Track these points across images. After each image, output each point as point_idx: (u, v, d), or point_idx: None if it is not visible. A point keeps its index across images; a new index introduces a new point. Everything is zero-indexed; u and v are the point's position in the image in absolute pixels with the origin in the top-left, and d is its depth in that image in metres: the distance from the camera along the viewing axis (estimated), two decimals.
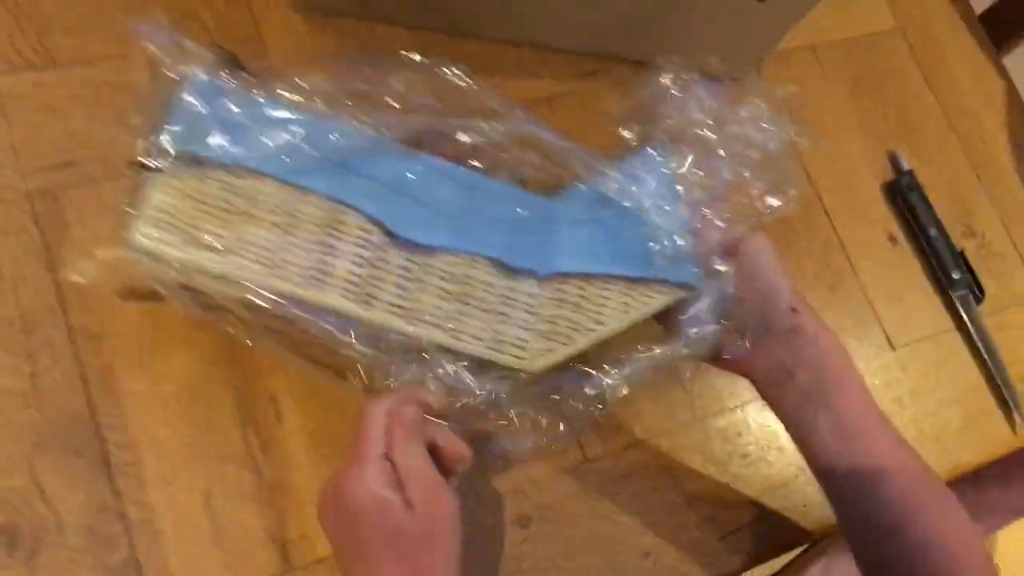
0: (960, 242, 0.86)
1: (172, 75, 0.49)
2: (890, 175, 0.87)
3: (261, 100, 0.50)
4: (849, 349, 0.75)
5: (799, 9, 0.76)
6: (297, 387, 0.63)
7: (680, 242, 0.55)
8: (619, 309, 0.54)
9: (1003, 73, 0.98)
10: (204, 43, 0.51)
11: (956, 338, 0.83)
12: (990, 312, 0.85)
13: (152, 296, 0.48)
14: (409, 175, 0.52)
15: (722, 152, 0.57)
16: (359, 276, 0.50)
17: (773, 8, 0.74)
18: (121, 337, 0.61)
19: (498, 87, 0.74)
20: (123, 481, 0.58)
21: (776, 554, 0.70)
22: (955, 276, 0.83)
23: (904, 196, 0.85)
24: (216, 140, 0.48)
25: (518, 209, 0.55)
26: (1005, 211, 0.91)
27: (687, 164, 0.57)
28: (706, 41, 0.80)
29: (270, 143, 0.49)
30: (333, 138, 0.50)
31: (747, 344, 0.56)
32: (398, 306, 0.50)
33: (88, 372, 0.59)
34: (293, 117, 0.50)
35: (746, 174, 0.57)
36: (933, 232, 0.84)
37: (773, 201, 0.57)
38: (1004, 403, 0.81)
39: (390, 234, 0.51)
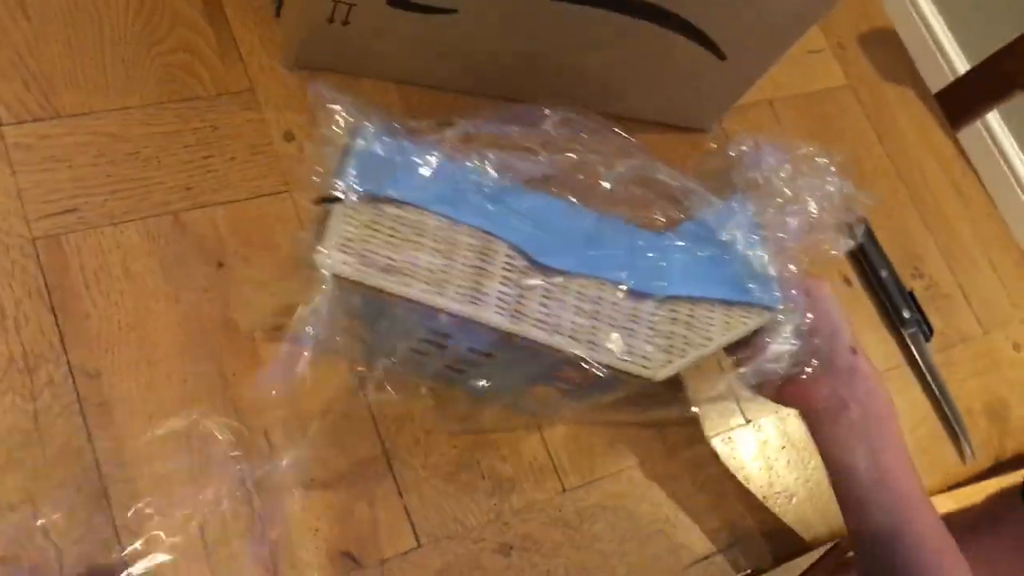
0: (909, 283, 0.92)
1: (341, 128, 0.58)
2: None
3: (418, 147, 0.59)
4: None
5: (759, 67, 0.82)
6: (291, 423, 0.65)
7: (769, 274, 0.64)
8: (722, 327, 0.63)
9: (946, 129, 1.05)
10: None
11: (907, 373, 0.88)
12: (938, 349, 0.90)
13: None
14: (545, 210, 0.61)
15: (790, 202, 0.66)
16: (508, 295, 0.57)
17: (735, 66, 0.80)
18: (119, 373, 0.63)
19: (480, 138, 0.80)
20: (121, 515, 0.60)
21: None
22: (905, 315, 0.89)
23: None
24: (385, 180, 0.57)
25: (638, 241, 0.63)
26: (951, 255, 0.97)
27: (765, 212, 0.66)
28: (673, 95, 0.85)
29: (430, 184, 0.58)
30: (479, 179, 0.60)
31: (816, 372, 0.65)
32: (542, 321, 0.58)
33: (87, 408, 0.62)
34: (446, 163, 0.59)
35: (813, 216, 0.66)
36: (884, 274, 0.90)
37: (838, 245, 0.67)
38: (953, 434, 0.86)
39: (531, 260, 0.59)
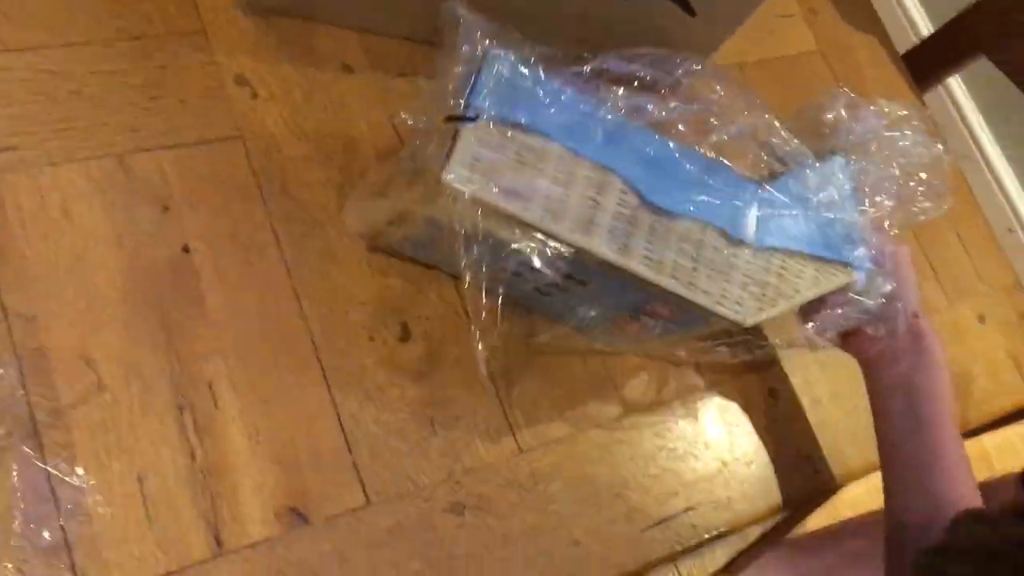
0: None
1: (472, 50, 0.58)
2: None
3: (548, 77, 0.60)
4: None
5: (729, 25, 0.80)
6: (236, 374, 0.63)
7: (860, 235, 0.67)
8: (811, 281, 0.65)
9: (918, 96, 1.04)
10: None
11: None
12: None
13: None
14: (660, 151, 0.62)
15: (888, 165, 0.69)
16: (618, 229, 0.59)
17: (704, 24, 0.78)
18: (55, 318, 0.60)
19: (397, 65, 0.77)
20: (55, 463, 0.58)
21: (701, 544, 0.72)
22: None
23: None
24: (515, 105, 0.58)
25: (742, 191, 0.64)
26: (918, 226, 0.96)
27: (862, 174, 0.69)
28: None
29: (556, 114, 0.59)
30: (602, 114, 0.61)
31: (881, 331, 0.69)
32: (647, 257, 0.60)
33: (21, 352, 0.59)
34: (574, 95, 0.61)
35: (907, 183, 0.69)
36: None
37: (928, 207, 0.70)
38: None
39: (643, 198, 0.61)
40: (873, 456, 0.81)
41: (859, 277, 0.67)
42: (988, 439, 0.88)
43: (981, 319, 0.94)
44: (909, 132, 0.70)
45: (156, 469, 0.59)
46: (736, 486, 0.75)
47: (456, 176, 0.55)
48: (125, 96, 0.68)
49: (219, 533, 0.59)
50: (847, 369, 0.84)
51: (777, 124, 0.67)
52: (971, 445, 0.85)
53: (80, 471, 0.58)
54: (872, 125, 0.70)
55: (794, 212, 0.65)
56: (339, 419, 0.65)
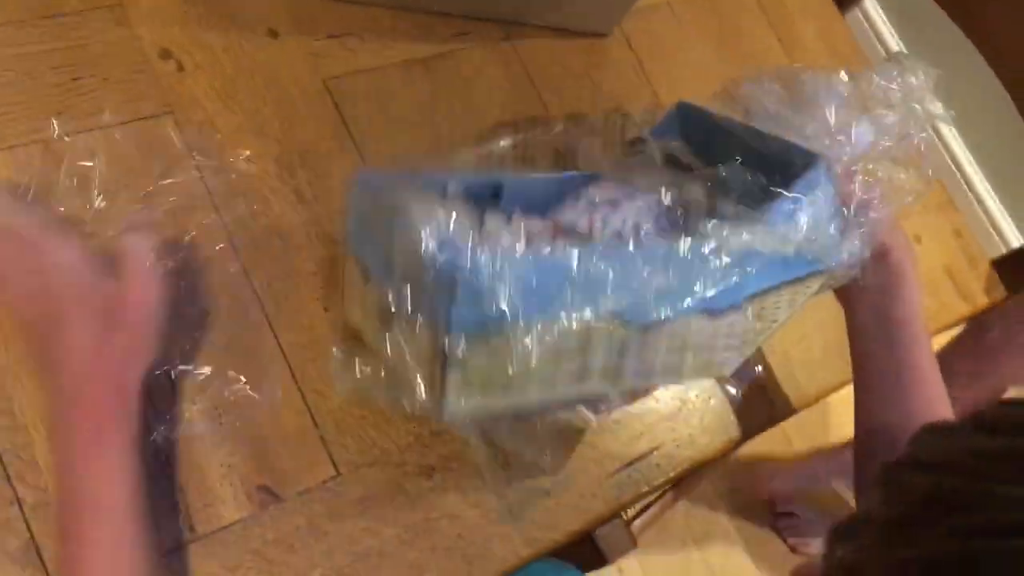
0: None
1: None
2: None
3: (518, 254, 0.54)
4: None
5: None
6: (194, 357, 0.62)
7: (835, 233, 0.63)
8: (787, 305, 0.65)
9: (847, 29, 1.05)
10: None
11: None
12: None
13: None
14: (625, 265, 0.56)
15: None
16: (610, 362, 0.57)
17: None
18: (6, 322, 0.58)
19: (374, 52, 0.76)
20: (15, 465, 0.56)
21: (669, 481, 0.74)
22: None
23: None
24: (495, 303, 0.51)
25: (715, 260, 0.58)
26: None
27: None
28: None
29: (525, 284, 0.52)
30: (557, 260, 0.54)
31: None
32: (638, 371, 0.58)
33: None
34: (525, 254, 0.55)
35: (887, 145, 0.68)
36: None
37: (917, 185, 0.69)
38: None
39: (626, 323, 0.56)
40: (822, 374, 0.84)
41: (841, 266, 0.65)
42: None
43: (917, 238, 0.96)
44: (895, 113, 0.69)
45: None
46: (697, 423, 0.76)
47: (453, 411, 0.53)
48: (46, 78, 0.65)
49: (191, 519, 0.59)
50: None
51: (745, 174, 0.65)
52: None
53: (41, 470, 0.56)
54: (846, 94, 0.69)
55: (768, 252, 0.60)
56: (302, 393, 0.64)
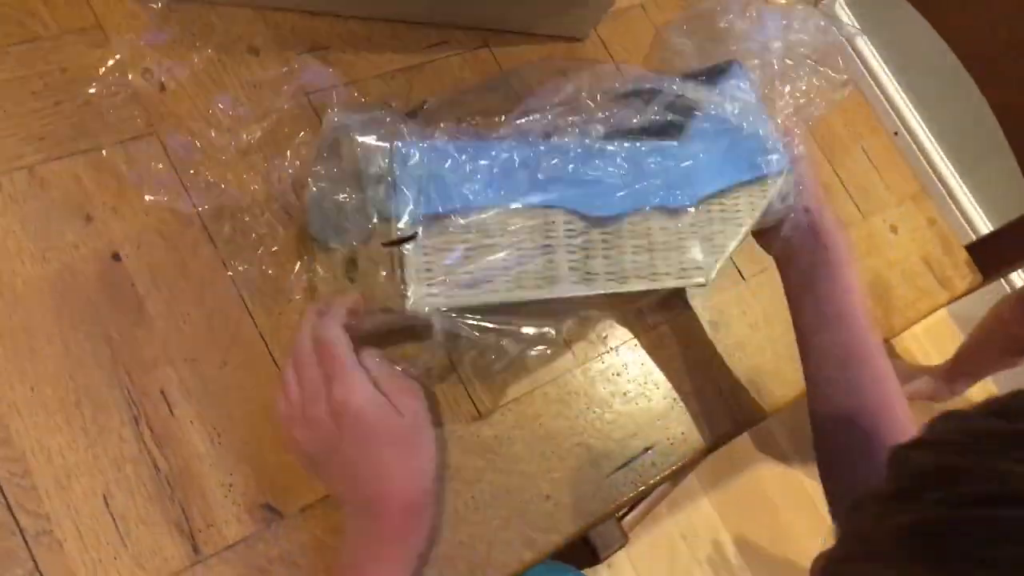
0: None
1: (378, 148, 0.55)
2: None
3: (447, 142, 0.57)
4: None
5: None
6: (187, 378, 0.62)
7: (773, 142, 0.68)
8: (748, 209, 0.67)
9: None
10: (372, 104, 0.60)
11: None
12: None
13: None
14: (577, 162, 0.60)
15: (787, 60, 0.71)
16: (576, 260, 0.59)
17: None
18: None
19: (353, 64, 0.76)
20: (14, 494, 0.56)
21: (665, 479, 0.75)
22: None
23: None
24: (436, 193, 0.55)
25: (659, 158, 0.64)
26: (826, 146, 0.99)
27: (762, 75, 0.70)
28: (544, 5, 0.83)
29: (473, 176, 0.56)
30: (512, 151, 0.58)
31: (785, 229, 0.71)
32: (609, 273, 0.60)
33: None
34: (477, 148, 0.57)
35: (809, 76, 0.71)
36: None
37: (832, 95, 0.71)
38: None
39: (586, 217, 0.60)
40: None
41: (781, 182, 0.69)
42: (896, 340, 0.93)
43: (894, 229, 0.98)
44: (803, 22, 0.71)
45: (121, 485, 0.58)
46: (689, 420, 0.77)
47: (417, 298, 0.54)
48: (26, 104, 0.65)
49: (195, 540, 0.59)
50: (777, 291, 0.87)
51: (652, 75, 0.67)
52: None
53: (42, 498, 0.56)
54: (767, 23, 0.71)
55: (715, 149, 0.66)
56: None
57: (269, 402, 0.64)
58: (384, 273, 0.55)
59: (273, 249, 0.67)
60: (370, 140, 0.55)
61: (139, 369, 0.61)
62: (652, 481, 0.74)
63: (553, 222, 0.59)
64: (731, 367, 0.81)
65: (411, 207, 0.54)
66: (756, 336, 0.84)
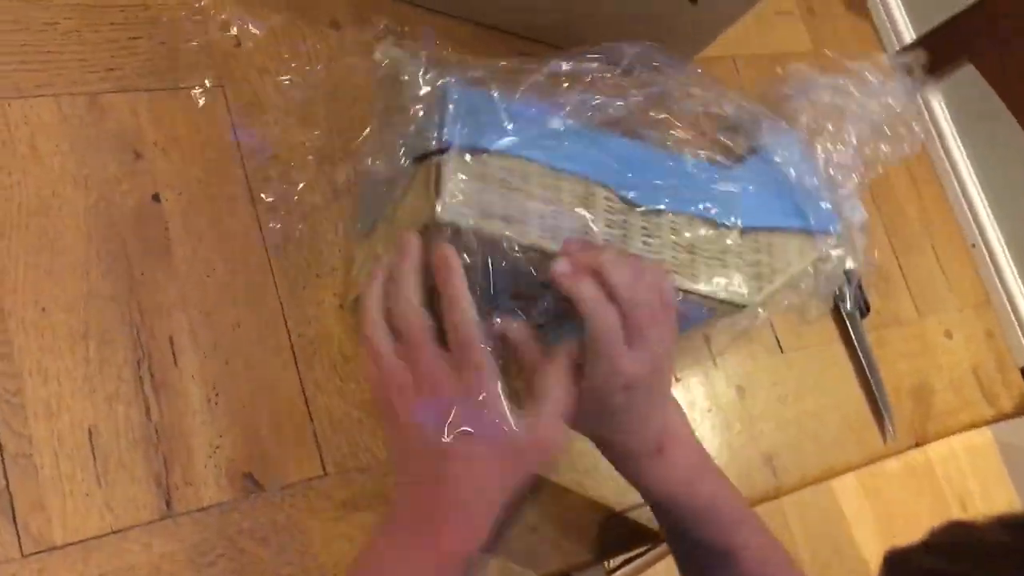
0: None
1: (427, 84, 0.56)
2: None
3: (505, 95, 0.57)
4: (741, 348, 0.78)
5: (729, 16, 0.79)
6: (199, 331, 0.61)
7: (826, 204, 0.67)
8: (797, 253, 0.66)
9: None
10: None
11: (840, 349, 0.87)
12: (873, 328, 0.89)
13: None
14: (629, 151, 0.61)
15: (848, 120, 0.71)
16: (613, 235, 0.58)
17: (705, 11, 0.76)
18: (13, 261, 0.58)
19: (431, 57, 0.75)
20: (2, 410, 0.55)
21: (656, 539, 0.72)
22: (845, 291, 0.88)
23: None
24: (483, 132, 0.55)
25: (714, 175, 0.64)
26: (897, 239, 0.96)
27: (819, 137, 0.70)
28: (636, 36, 0.82)
29: (524, 130, 0.56)
30: (567, 122, 0.59)
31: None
32: (648, 258, 0.59)
33: None
34: (535, 107, 0.58)
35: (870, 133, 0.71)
36: None
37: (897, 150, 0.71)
38: (878, 414, 0.86)
39: (627, 201, 0.59)
40: (833, 453, 0.82)
41: (836, 240, 0.67)
42: (932, 449, 0.89)
43: (948, 335, 0.94)
44: (872, 84, 0.71)
45: (109, 423, 0.57)
46: None
47: (451, 210, 0.52)
48: (103, 33, 0.65)
49: (170, 495, 0.58)
50: (814, 369, 0.84)
51: (730, 93, 0.67)
52: (914, 456, 0.87)
53: (28, 419, 0.56)
54: (829, 86, 0.71)
55: (766, 188, 0.66)
56: (302, 386, 0.63)
57: (276, 372, 0.63)
58: (417, 196, 0.54)
59: (308, 218, 0.66)
60: (418, 72, 0.56)
61: (153, 311, 0.60)
62: (644, 537, 0.71)
63: (593, 195, 0.58)
64: (751, 437, 0.78)
65: (453, 128, 0.54)
66: (784, 411, 0.81)
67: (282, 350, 0.63)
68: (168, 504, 0.58)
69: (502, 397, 0.50)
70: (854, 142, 0.69)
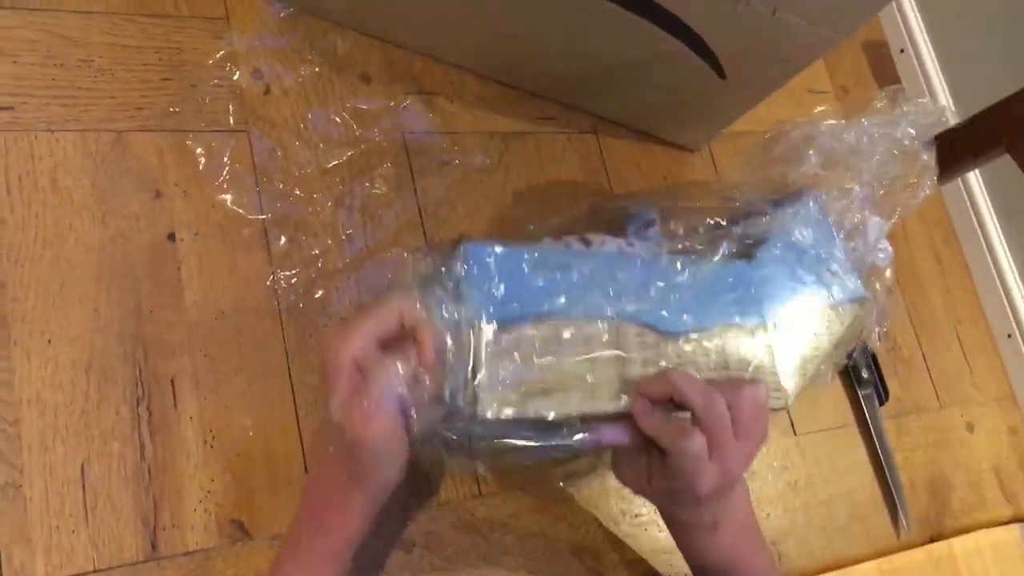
0: (873, 343, 0.89)
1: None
2: None
3: (519, 250, 0.56)
4: None
5: (758, 93, 0.78)
6: (201, 374, 0.61)
7: (849, 269, 0.66)
8: (825, 329, 0.64)
9: (937, 194, 1.03)
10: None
11: (856, 434, 0.85)
12: (891, 415, 0.87)
13: None
14: (650, 277, 0.59)
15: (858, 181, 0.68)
16: (648, 374, 0.56)
17: (734, 88, 0.76)
18: (25, 290, 0.58)
19: (457, 117, 0.76)
20: None
21: None
22: (864, 375, 0.86)
23: None
24: (509, 300, 0.54)
25: (730, 279, 0.62)
26: (920, 322, 0.94)
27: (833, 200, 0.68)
28: (665, 108, 0.82)
29: (549, 285, 0.56)
30: (581, 266, 0.57)
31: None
32: None
33: None
34: (552, 256, 0.57)
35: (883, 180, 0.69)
36: None
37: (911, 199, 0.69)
38: (891, 504, 0.83)
39: (657, 330, 0.58)
40: (841, 544, 0.79)
41: (865, 297, 0.66)
42: (957, 543, 0.86)
43: (970, 428, 0.92)
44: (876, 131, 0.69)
45: (102, 460, 0.57)
46: None
47: (491, 408, 0.52)
48: (136, 73, 0.66)
49: (156, 537, 0.57)
50: (827, 454, 0.82)
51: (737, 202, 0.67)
52: (938, 547, 0.83)
53: (23, 450, 0.56)
54: (828, 144, 0.69)
55: (783, 272, 0.64)
56: (300, 435, 0.63)
57: (275, 420, 0.62)
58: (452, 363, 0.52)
59: (321, 269, 0.66)
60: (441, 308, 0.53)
61: (158, 350, 0.61)
62: None
63: (625, 334, 0.57)
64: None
65: (482, 305, 0.53)
66: (793, 497, 0.79)
67: (283, 398, 0.63)
68: (154, 546, 0.57)
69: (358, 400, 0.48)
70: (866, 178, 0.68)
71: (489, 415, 0.52)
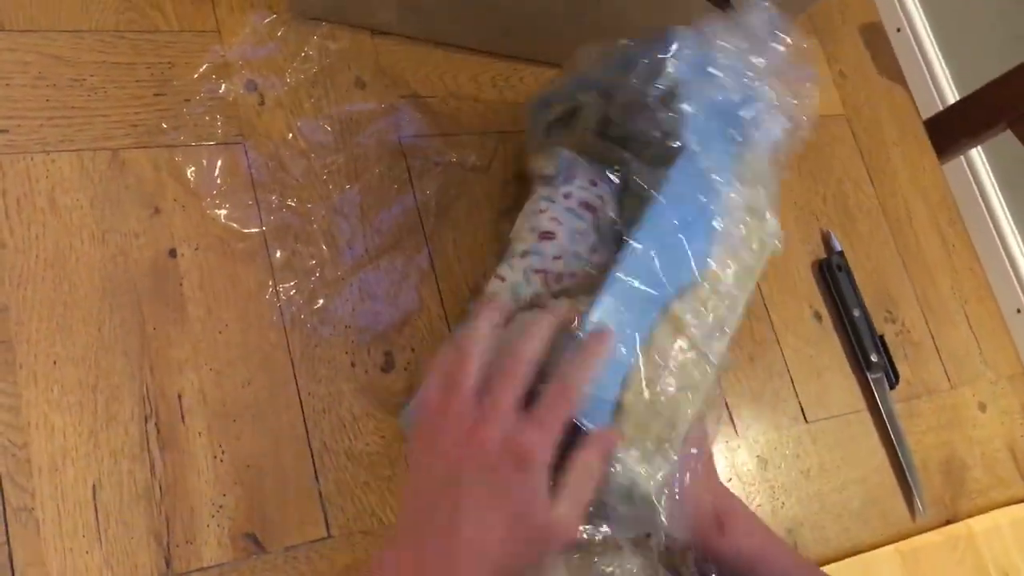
0: (881, 327, 0.88)
1: None
2: (821, 254, 0.90)
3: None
4: (764, 417, 0.76)
5: None
6: (208, 388, 0.61)
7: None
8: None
9: (940, 174, 1.02)
10: None
11: (867, 419, 0.84)
12: (902, 398, 0.87)
13: None
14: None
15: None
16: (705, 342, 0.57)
17: None
18: (28, 312, 0.58)
19: (452, 118, 0.75)
20: (7, 463, 0.55)
21: None
22: (873, 359, 0.85)
23: (832, 276, 0.87)
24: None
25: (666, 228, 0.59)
26: (927, 304, 0.94)
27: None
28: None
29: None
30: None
31: None
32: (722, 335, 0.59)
33: None
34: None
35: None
36: (857, 313, 0.86)
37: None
38: (906, 487, 0.83)
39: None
40: (857, 530, 0.79)
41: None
42: (976, 523, 0.86)
43: (982, 407, 0.91)
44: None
45: (113, 479, 0.57)
46: None
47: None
48: (128, 90, 0.66)
49: (169, 553, 0.57)
50: (839, 440, 0.82)
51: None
52: (956, 528, 0.83)
53: (33, 474, 0.55)
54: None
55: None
56: (309, 445, 0.63)
57: (284, 431, 0.62)
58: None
59: (321, 277, 0.66)
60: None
61: (163, 367, 0.60)
62: None
63: (679, 318, 0.56)
64: (772, 510, 0.76)
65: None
66: (807, 485, 0.79)
67: (291, 409, 0.63)
68: (168, 563, 0.57)
69: (547, 475, 0.49)
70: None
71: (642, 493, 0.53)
